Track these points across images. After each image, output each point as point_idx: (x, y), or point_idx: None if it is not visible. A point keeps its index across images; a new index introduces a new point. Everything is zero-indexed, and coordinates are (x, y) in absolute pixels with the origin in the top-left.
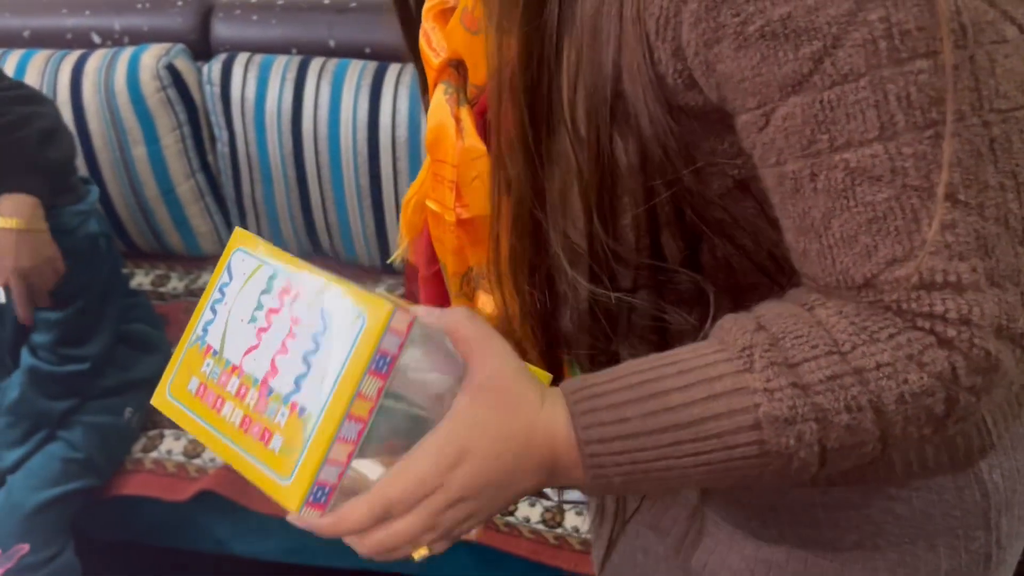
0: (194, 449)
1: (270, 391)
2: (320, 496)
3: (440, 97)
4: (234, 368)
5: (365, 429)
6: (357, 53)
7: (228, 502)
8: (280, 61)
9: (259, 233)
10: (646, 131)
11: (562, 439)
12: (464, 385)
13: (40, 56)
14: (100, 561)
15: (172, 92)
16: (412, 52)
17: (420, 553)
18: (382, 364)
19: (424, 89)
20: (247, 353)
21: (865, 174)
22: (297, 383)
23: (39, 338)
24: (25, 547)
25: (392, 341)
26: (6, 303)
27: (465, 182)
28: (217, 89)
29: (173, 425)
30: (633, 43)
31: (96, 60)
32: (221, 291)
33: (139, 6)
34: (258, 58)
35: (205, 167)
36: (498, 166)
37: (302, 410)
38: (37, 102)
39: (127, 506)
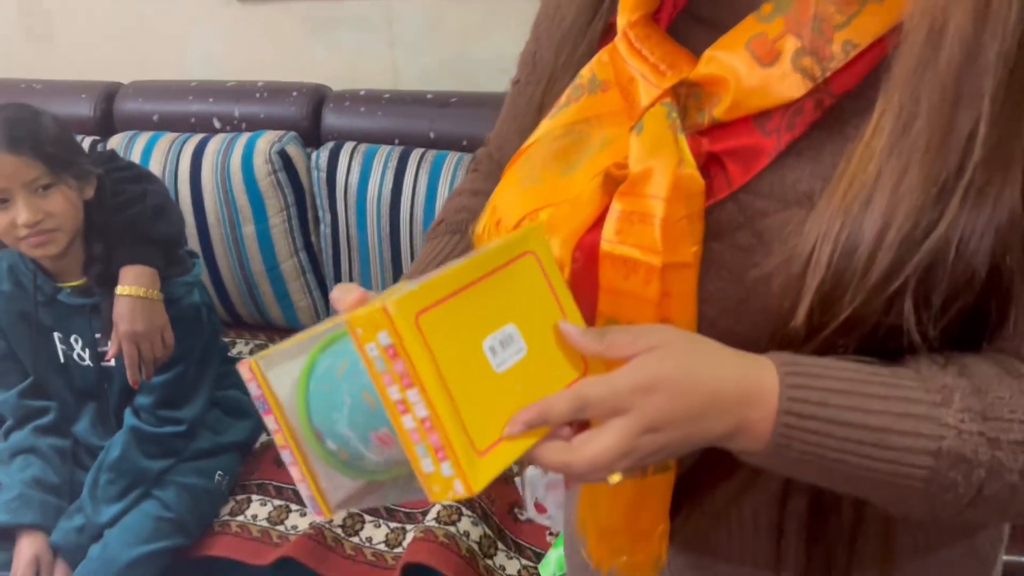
0: (278, 516)
1: None
2: None
3: (660, 120)
4: None
5: None
6: (455, 145)
7: (307, 570)
8: (383, 150)
9: None
10: None
11: (765, 399)
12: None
13: (166, 138)
14: None
15: (282, 175)
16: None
17: (615, 478)
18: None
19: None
20: None
21: None
22: None
23: (142, 400)
24: None
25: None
26: (115, 366)
27: (673, 221)
28: (324, 174)
29: (260, 491)
30: None
31: (215, 143)
32: None
33: (257, 95)
34: (363, 147)
35: (308, 246)
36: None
37: None
38: (148, 180)
39: (212, 567)
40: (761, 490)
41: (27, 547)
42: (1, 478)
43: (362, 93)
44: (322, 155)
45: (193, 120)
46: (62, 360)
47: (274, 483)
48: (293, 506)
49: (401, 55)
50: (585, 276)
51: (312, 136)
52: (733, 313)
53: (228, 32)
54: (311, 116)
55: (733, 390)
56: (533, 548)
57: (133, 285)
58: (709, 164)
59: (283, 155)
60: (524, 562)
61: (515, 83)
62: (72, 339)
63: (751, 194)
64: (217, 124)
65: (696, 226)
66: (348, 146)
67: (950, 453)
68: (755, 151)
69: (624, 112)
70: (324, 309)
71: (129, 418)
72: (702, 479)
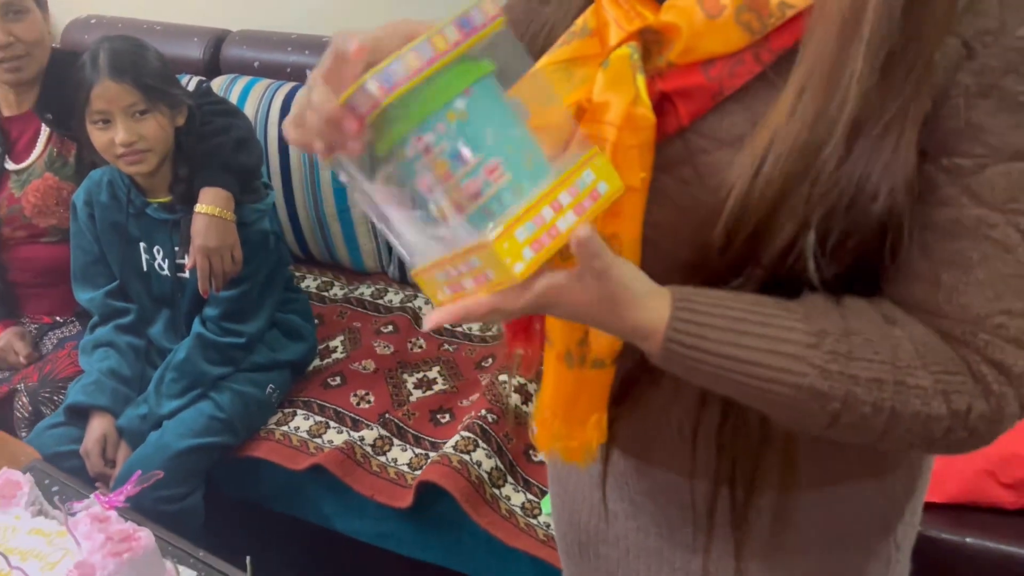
0: (317, 430)
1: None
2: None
3: (624, 59)
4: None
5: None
6: None
7: (336, 480)
8: None
9: None
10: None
11: (652, 327)
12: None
13: (262, 84)
14: (220, 512)
15: None
16: None
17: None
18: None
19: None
20: None
21: None
22: None
23: (209, 311)
24: (160, 473)
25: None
26: (189, 278)
27: (623, 148)
28: None
29: (305, 407)
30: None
31: None
32: None
33: None
34: None
35: None
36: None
37: None
38: (234, 115)
39: (253, 467)
40: (683, 399)
41: (97, 426)
42: (83, 365)
43: None
44: None
45: (289, 70)
46: (144, 268)
47: (318, 401)
48: (332, 423)
49: None
50: None
51: None
52: (672, 237)
53: None
54: None
55: (635, 313)
56: (540, 486)
57: (210, 204)
58: (663, 103)
59: None
60: (529, 496)
61: None
62: (155, 250)
63: (694, 133)
64: (309, 75)
65: (646, 156)
66: None
67: (811, 389)
68: (700, 94)
69: (601, 55)
70: (387, 255)
71: (196, 326)
72: (636, 386)
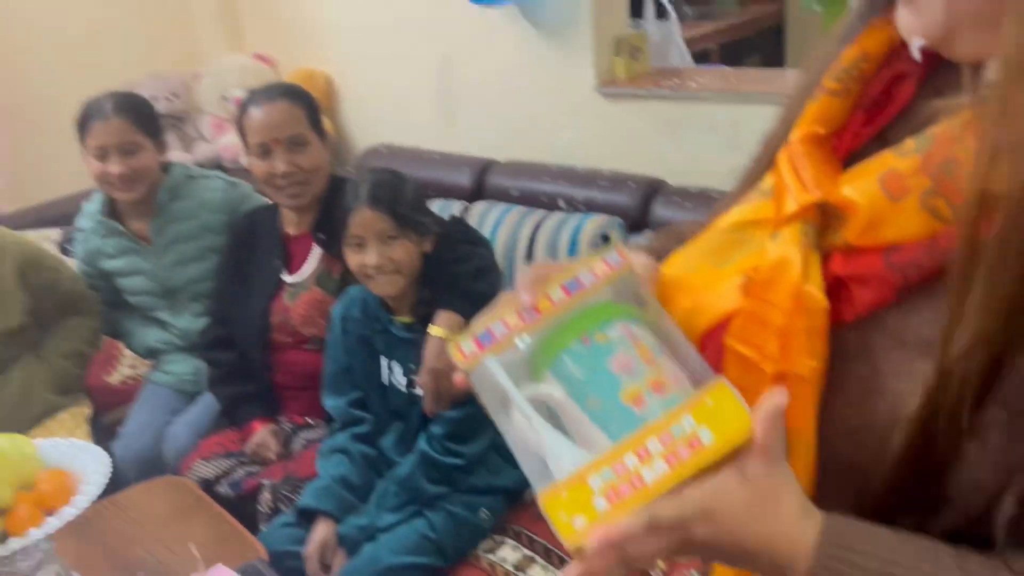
0: (524, 564)
1: None
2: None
3: (795, 234)
4: None
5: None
6: None
7: None
8: None
9: None
10: None
11: (800, 561)
12: (747, 465)
13: (516, 211)
14: None
15: None
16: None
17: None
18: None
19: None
20: None
21: None
22: None
23: (435, 429)
24: None
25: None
26: (421, 395)
27: (793, 332)
28: None
29: (515, 536)
30: None
31: (553, 221)
32: None
33: (601, 182)
34: None
35: None
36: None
37: None
38: (479, 244)
39: None
40: None
41: (320, 531)
42: (318, 468)
43: (693, 190)
44: (639, 242)
45: (544, 198)
46: (384, 381)
47: (528, 532)
48: (539, 559)
49: (740, 158)
50: (714, 368)
51: (638, 224)
52: (848, 439)
53: (589, 123)
54: (641, 206)
55: (783, 545)
56: None
57: (443, 328)
58: (839, 287)
59: (605, 238)
60: None
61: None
62: (394, 364)
63: (875, 328)
64: (562, 204)
65: (816, 343)
66: None
67: None
68: (880, 284)
69: (775, 223)
70: None
71: (422, 442)
72: None
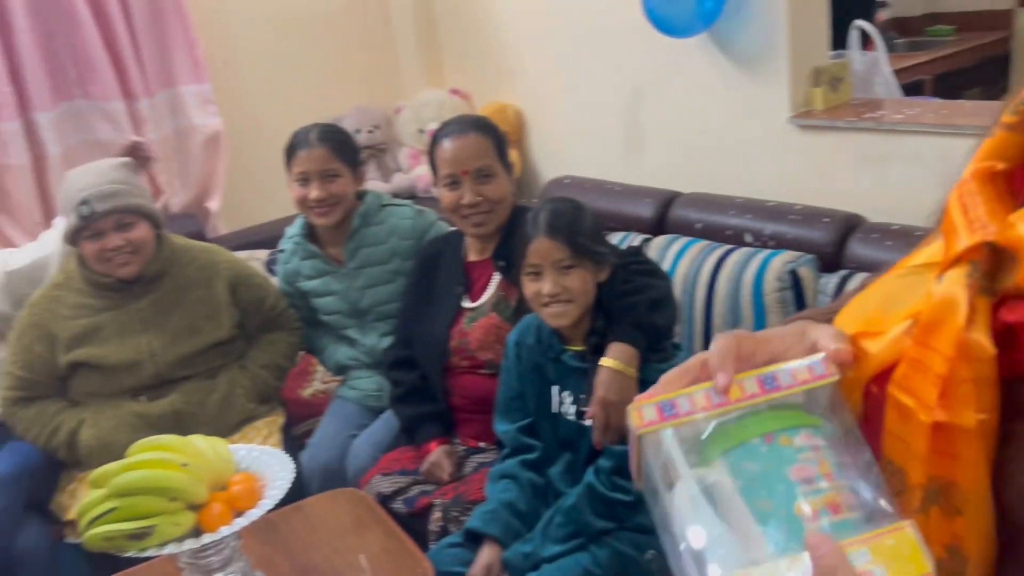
0: None
1: None
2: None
3: (961, 277)
4: None
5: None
6: None
7: None
8: None
9: None
10: None
11: None
12: None
13: (698, 245)
14: None
15: (788, 294)
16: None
17: None
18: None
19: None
20: None
21: None
22: None
23: (603, 462)
24: None
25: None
26: (591, 426)
27: (956, 381)
28: (828, 299)
29: None
30: None
31: (738, 256)
32: None
33: (792, 217)
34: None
35: None
36: None
37: None
38: (655, 275)
39: None
40: None
41: (486, 554)
42: (487, 492)
43: (894, 228)
44: (831, 281)
45: (729, 232)
46: (554, 410)
47: None
48: None
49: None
50: (876, 413)
51: (832, 262)
52: None
53: (781, 156)
54: (836, 243)
55: None
56: None
57: (615, 359)
58: (1011, 335)
59: (794, 275)
60: None
61: None
62: (565, 394)
63: None
64: (748, 239)
65: (984, 394)
66: (860, 277)
67: None
68: None
69: (943, 265)
70: None
71: (589, 475)
72: None
